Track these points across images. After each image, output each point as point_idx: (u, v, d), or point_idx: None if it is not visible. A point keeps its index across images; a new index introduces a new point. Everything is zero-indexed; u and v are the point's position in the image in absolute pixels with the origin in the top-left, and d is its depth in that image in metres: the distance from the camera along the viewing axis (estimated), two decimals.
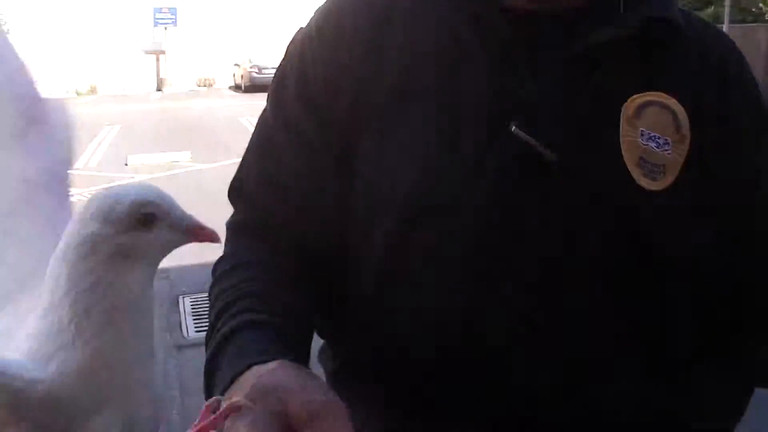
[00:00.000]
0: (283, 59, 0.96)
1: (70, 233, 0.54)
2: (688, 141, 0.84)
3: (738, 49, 0.95)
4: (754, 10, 23.68)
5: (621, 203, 0.83)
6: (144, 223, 0.54)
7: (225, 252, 0.93)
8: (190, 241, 0.59)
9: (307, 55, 0.92)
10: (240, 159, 0.98)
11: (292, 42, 0.96)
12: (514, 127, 0.81)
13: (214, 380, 0.74)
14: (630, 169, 0.82)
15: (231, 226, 0.95)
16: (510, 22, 0.84)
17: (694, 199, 0.84)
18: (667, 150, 0.84)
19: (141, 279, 0.55)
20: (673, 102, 0.85)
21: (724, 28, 19.96)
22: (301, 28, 0.96)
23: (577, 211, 0.82)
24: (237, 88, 24.74)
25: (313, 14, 0.96)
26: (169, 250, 0.58)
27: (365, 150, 0.86)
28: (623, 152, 0.82)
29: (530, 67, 0.83)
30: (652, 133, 0.84)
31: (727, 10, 20.78)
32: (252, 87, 21.95)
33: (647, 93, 0.84)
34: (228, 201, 0.97)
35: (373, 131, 0.86)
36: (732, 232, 0.88)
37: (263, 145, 0.95)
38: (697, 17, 0.94)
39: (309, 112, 0.89)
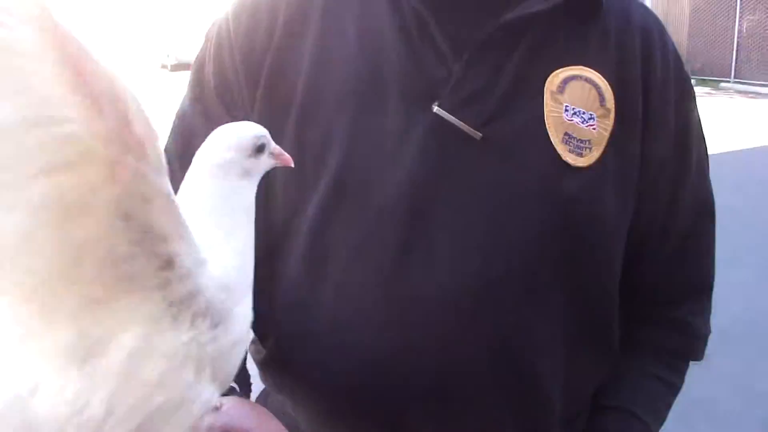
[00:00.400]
0: (202, 48, 0.96)
1: (209, 158, 0.70)
2: (612, 115, 0.84)
3: (659, 20, 0.95)
4: None
5: (547, 181, 0.82)
6: (258, 150, 0.71)
7: None
8: (277, 165, 0.74)
9: (224, 45, 0.91)
10: None
11: (209, 30, 0.96)
12: (435, 107, 0.80)
13: None
14: (555, 146, 0.82)
15: None
16: (431, 3, 0.83)
17: (619, 172, 0.85)
18: (592, 125, 0.83)
19: (253, 191, 0.71)
20: (596, 75, 0.85)
21: None
22: (219, 17, 0.95)
23: (503, 189, 0.81)
24: None
25: (230, 2, 0.94)
26: (266, 170, 0.74)
27: (288, 135, 0.85)
28: (548, 128, 0.82)
29: (451, 46, 0.82)
30: (576, 108, 0.83)
31: None
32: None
33: (570, 67, 0.84)
34: None
35: (294, 116, 0.85)
36: (652, 203, 0.89)
37: (183, 133, 0.95)
38: None
39: (225, 103, 0.90)
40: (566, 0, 0.83)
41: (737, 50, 19.13)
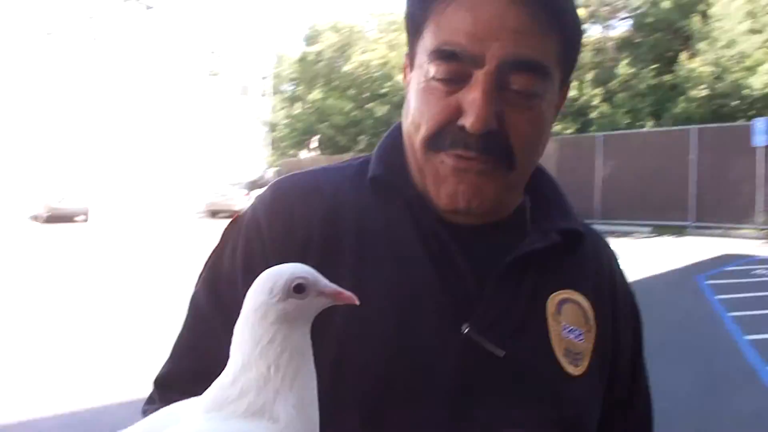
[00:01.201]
0: (220, 244, 1.02)
1: (246, 305, 0.71)
2: (594, 331, 1.00)
3: (613, 250, 1.13)
4: None
5: (555, 388, 0.96)
6: (298, 291, 0.70)
7: None
8: (334, 303, 0.74)
9: (255, 245, 0.97)
10: None
11: (232, 228, 1.02)
12: (466, 330, 0.91)
13: None
14: (559, 359, 0.96)
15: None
16: (452, 234, 0.95)
17: (599, 374, 1.01)
18: (581, 339, 0.99)
19: (302, 333, 0.71)
20: (581, 298, 1.01)
21: None
22: (240, 215, 1.02)
23: (522, 395, 0.93)
24: None
25: (262, 199, 1.02)
26: (318, 311, 0.73)
27: (326, 350, 0.87)
28: (553, 345, 0.96)
29: (473, 274, 0.94)
30: (570, 327, 0.98)
31: None
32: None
33: (563, 291, 0.99)
34: None
35: (335, 334, 0.90)
36: (614, 402, 1.06)
37: (198, 325, 0.99)
38: (588, 225, 1.10)
39: None
40: (561, 236, 0.99)
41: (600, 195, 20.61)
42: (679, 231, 20.56)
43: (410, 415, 0.90)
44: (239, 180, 36.33)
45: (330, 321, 0.88)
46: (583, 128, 27.00)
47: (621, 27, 33.39)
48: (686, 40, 26.42)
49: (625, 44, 30.76)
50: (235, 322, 0.79)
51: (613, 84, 27.39)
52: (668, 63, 27.03)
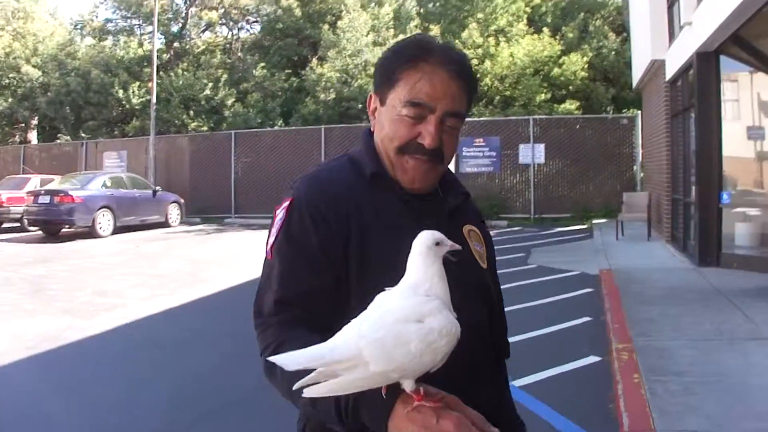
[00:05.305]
0: (286, 214, 1.58)
1: (416, 249, 1.35)
2: (484, 245, 1.79)
3: (475, 202, 1.91)
4: (177, 122, 26.02)
5: (478, 275, 1.71)
6: (438, 244, 1.36)
7: (286, 337, 1.44)
8: (452, 249, 1.39)
9: (318, 217, 1.55)
10: None
11: (291, 206, 1.58)
12: None
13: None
14: (477, 260, 1.72)
15: (282, 323, 1.51)
16: (413, 197, 1.65)
17: (490, 270, 1.78)
18: (480, 249, 1.75)
19: (440, 263, 1.36)
20: (475, 228, 1.78)
21: (151, 139, 21.40)
22: (294, 198, 1.59)
23: (467, 281, 1.62)
24: None
25: (304, 187, 1.62)
26: (445, 251, 1.37)
27: (355, 266, 1.54)
28: (472, 252, 1.71)
29: (431, 219, 1.60)
30: (476, 244, 1.75)
31: (152, 123, 22.41)
32: None
33: (468, 224, 1.75)
34: None
35: (364, 256, 1.55)
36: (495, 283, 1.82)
37: (291, 271, 1.54)
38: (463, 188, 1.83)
39: (324, 251, 1.53)
40: (463, 196, 1.77)
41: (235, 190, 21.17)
42: None
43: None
44: None
45: (360, 254, 1.54)
46: (216, 126, 27.45)
47: (251, 30, 34.76)
48: (314, 47, 28.06)
49: (253, 47, 32.41)
50: (306, 258, 1.52)
51: (248, 85, 28.95)
52: (296, 67, 28.89)
